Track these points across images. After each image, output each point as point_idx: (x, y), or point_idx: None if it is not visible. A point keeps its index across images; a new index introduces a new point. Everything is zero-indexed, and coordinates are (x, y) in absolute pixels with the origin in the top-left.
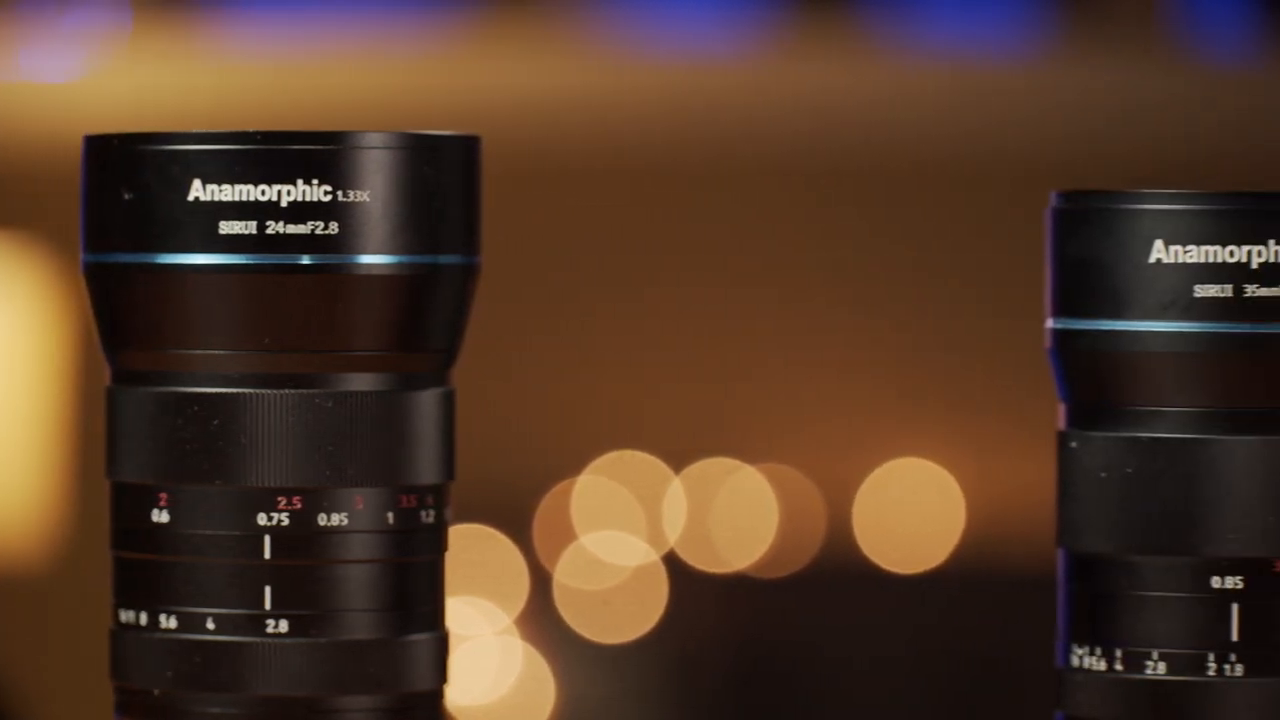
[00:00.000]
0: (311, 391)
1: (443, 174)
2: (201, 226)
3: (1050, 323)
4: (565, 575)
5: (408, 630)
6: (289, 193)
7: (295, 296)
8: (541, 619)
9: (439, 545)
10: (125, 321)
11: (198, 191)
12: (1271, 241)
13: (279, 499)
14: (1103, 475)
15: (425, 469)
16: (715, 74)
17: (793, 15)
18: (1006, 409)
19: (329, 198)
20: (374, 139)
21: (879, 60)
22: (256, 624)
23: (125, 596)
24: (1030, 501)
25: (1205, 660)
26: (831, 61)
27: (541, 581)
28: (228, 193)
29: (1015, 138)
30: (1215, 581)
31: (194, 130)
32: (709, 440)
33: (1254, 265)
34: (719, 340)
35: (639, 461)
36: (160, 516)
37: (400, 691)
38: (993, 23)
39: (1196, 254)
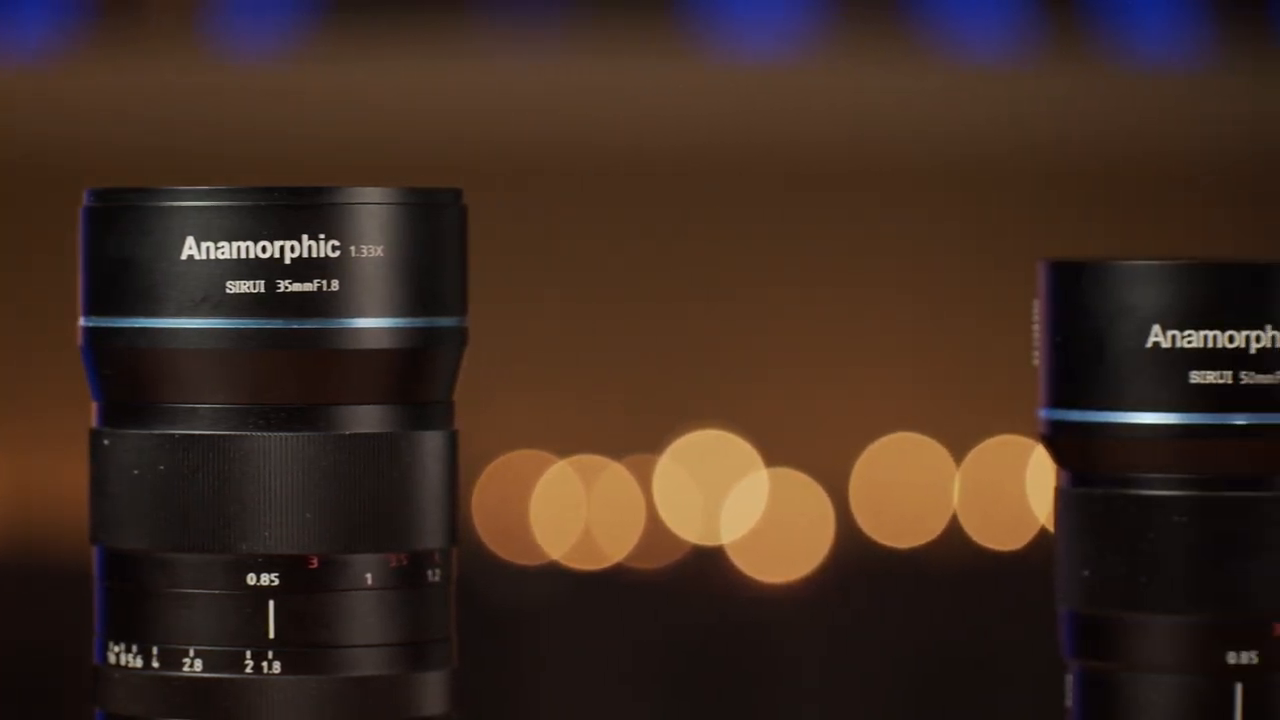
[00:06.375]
0: None
1: None
2: None
3: (82, 321)
4: None
5: None
6: None
7: None
8: None
9: None
10: None
11: None
12: (305, 236)
13: None
14: (135, 473)
15: None
16: None
17: None
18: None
19: None
20: None
21: None
22: None
23: None
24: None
25: (243, 658)
26: None
27: None
28: None
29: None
30: (251, 579)
31: None
32: None
33: (287, 261)
34: None
35: None
36: None
37: None
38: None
39: (229, 250)
